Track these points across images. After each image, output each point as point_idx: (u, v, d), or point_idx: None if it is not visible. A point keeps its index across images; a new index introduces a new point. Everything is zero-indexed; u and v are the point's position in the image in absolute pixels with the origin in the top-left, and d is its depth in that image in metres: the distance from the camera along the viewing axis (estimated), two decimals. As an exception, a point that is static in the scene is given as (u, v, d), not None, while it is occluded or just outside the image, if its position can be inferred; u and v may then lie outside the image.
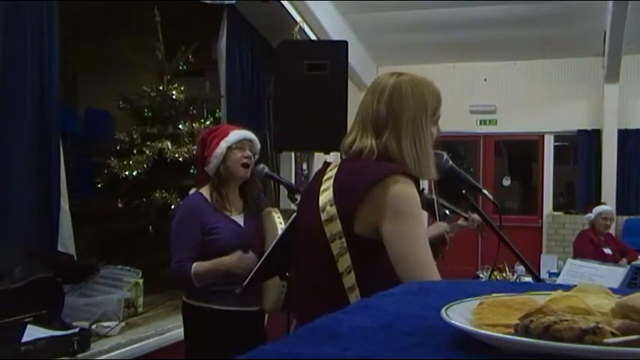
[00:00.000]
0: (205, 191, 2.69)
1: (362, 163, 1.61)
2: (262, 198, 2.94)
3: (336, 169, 1.67)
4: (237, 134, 2.70)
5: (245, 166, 2.68)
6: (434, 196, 2.41)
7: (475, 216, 2.50)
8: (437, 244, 2.17)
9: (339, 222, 1.55)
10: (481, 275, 5.04)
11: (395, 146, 1.61)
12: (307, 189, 1.84)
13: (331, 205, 1.57)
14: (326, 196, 1.60)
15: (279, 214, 2.63)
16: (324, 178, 1.67)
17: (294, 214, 2.13)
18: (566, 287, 0.76)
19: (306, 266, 1.70)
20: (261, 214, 2.73)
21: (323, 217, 1.57)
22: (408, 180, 1.56)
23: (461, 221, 2.64)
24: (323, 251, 1.56)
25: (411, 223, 1.54)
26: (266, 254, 2.32)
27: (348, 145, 1.67)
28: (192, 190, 2.79)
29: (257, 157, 2.80)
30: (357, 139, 1.65)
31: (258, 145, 2.80)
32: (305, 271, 1.71)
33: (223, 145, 2.64)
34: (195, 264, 2.53)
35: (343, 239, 1.54)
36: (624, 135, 8.35)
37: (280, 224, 2.53)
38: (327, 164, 1.75)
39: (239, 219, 2.69)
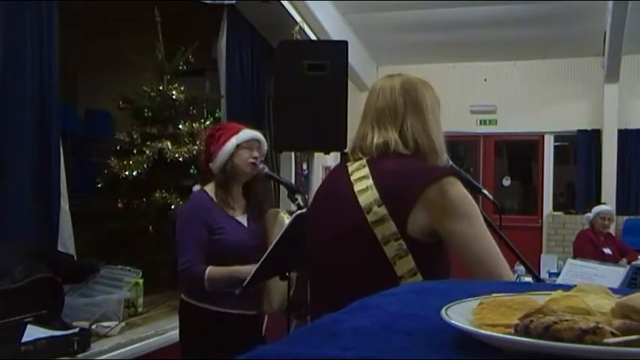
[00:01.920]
0: (210, 189, 2.66)
1: (406, 162, 1.58)
2: (268, 199, 2.91)
3: (365, 168, 1.59)
4: (248, 133, 2.68)
5: (251, 165, 2.66)
6: None
7: None
8: None
9: (392, 222, 1.49)
10: (481, 275, 5.02)
11: (422, 131, 1.60)
12: (328, 190, 1.75)
13: (379, 206, 1.50)
14: (369, 196, 1.53)
15: (287, 215, 2.62)
16: (354, 177, 1.59)
17: (295, 215, 2.13)
18: (566, 287, 0.76)
19: (339, 271, 1.59)
20: (264, 215, 2.72)
21: (370, 218, 1.50)
22: (459, 181, 1.56)
23: None
24: (372, 254, 1.50)
25: (480, 223, 1.53)
26: (266, 255, 2.32)
27: (368, 145, 1.62)
28: (196, 187, 2.76)
29: (263, 158, 2.78)
30: (376, 137, 1.61)
31: (266, 147, 2.78)
32: (338, 275, 1.59)
33: (234, 141, 2.62)
34: (209, 268, 2.49)
35: (401, 241, 1.49)
36: (624, 135, 8.36)
37: None
38: (344, 162, 1.68)
39: (242, 219, 2.67)
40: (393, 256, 1.49)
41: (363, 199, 1.53)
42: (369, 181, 1.55)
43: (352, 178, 1.59)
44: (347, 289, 1.59)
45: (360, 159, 1.64)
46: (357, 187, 1.56)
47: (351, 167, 1.63)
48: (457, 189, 1.53)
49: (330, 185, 1.75)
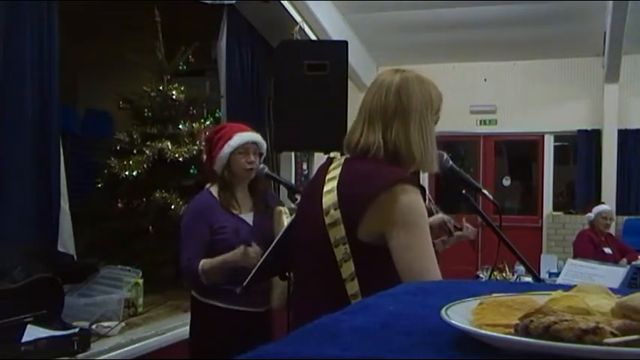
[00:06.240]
0: (215, 189, 2.70)
1: (368, 166, 1.60)
2: (271, 196, 2.92)
3: (339, 168, 1.65)
4: (240, 138, 2.67)
5: (249, 170, 2.68)
6: (432, 207, 2.40)
7: (469, 225, 2.45)
8: (436, 231, 2.19)
9: (342, 227, 1.54)
10: (481, 275, 5.03)
11: (403, 139, 1.61)
12: (310, 187, 1.81)
13: (335, 209, 1.55)
14: (330, 198, 1.58)
15: (288, 214, 2.63)
16: (328, 177, 1.64)
17: (295, 215, 2.13)
18: (566, 287, 0.76)
19: (307, 268, 1.68)
20: (271, 213, 2.73)
21: (327, 220, 1.56)
22: (416, 189, 1.56)
23: (457, 233, 2.59)
24: (326, 255, 1.55)
25: (419, 235, 1.54)
26: (266, 254, 2.33)
27: (354, 142, 1.65)
28: (208, 186, 2.78)
29: (264, 156, 2.79)
30: (364, 135, 1.63)
31: (264, 146, 2.79)
32: (306, 272, 1.69)
33: (227, 150, 2.63)
34: (202, 261, 2.53)
35: (347, 245, 1.53)
36: (624, 135, 8.35)
37: None
38: (330, 160, 1.74)
39: (248, 218, 2.69)
40: (340, 259, 1.54)
41: (326, 201, 1.59)
42: (335, 183, 1.61)
43: (327, 177, 1.65)
44: (308, 288, 1.67)
45: (343, 155, 1.70)
46: (325, 188, 1.61)
47: (332, 165, 1.69)
48: (409, 197, 1.54)
49: (312, 183, 1.80)
